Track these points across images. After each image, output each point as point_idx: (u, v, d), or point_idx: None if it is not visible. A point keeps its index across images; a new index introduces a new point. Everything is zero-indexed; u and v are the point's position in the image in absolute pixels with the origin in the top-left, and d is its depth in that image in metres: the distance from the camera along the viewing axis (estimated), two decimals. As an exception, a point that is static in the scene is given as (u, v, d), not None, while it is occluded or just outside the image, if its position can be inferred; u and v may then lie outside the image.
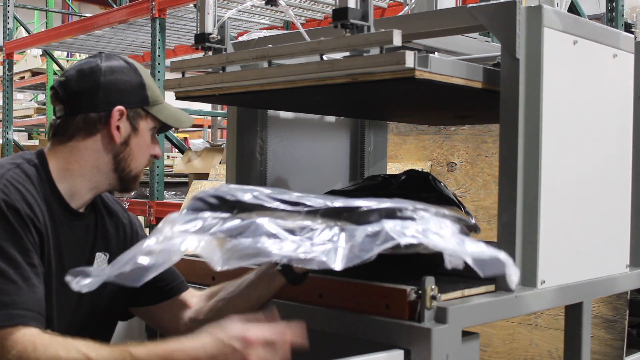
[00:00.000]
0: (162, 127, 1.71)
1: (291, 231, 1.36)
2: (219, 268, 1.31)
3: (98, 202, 1.72)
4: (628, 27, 4.93)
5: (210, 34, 2.06)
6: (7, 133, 8.09)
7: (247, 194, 1.45)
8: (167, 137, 5.35)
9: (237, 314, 1.41)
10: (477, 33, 2.15)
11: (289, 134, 2.52)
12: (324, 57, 1.70)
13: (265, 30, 5.96)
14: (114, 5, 9.15)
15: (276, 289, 1.61)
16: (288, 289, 1.65)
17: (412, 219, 1.37)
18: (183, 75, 2.05)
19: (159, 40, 5.58)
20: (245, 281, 1.64)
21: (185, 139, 10.49)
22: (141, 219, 3.82)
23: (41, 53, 10.24)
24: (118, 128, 1.60)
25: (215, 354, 1.33)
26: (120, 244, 1.72)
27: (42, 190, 1.54)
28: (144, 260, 1.32)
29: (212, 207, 1.44)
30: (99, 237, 1.69)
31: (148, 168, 5.47)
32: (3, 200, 1.44)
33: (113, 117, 1.59)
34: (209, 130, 11.59)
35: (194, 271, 1.92)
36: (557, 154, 1.75)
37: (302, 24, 3.32)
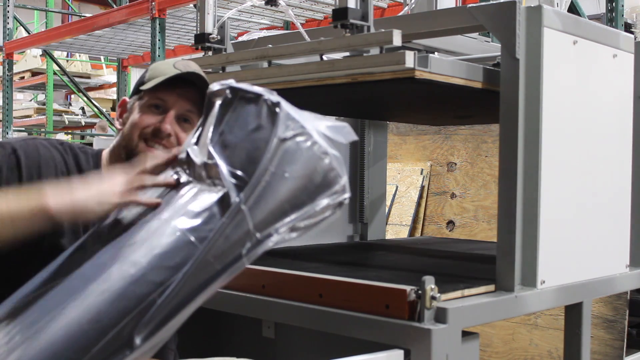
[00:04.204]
0: (167, 99, 1.63)
1: None
2: None
3: None
4: (628, 27, 4.93)
5: (210, 34, 2.07)
6: (7, 133, 8.09)
7: None
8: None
9: None
10: (477, 33, 2.15)
11: (289, 134, 2.52)
12: (324, 57, 1.70)
13: (265, 30, 5.96)
14: (114, 5, 9.15)
15: None
16: (287, 288, 1.65)
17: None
18: (183, 75, 2.05)
19: (159, 40, 5.58)
20: None
21: (185, 139, 10.50)
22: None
23: (41, 53, 10.25)
24: (121, 116, 1.70)
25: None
26: None
27: (83, 170, 1.63)
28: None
29: None
30: None
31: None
32: (17, 144, 1.56)
33: (117, 110, 1.73)
34: (209, 130, 11.57)
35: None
36: (557, 154, 1.75)
37: (302, 24, 3.32)
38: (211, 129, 1.24)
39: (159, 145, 1.61)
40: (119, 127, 1.69)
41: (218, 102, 1.27)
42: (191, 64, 1.67)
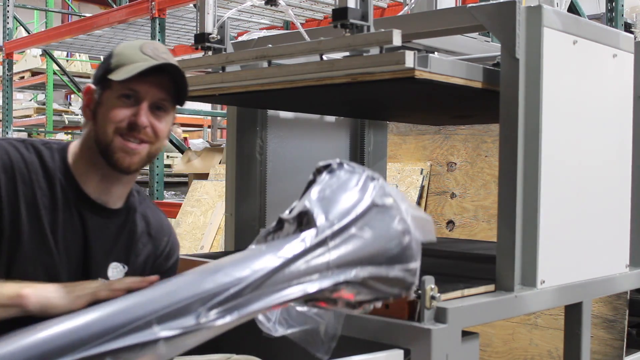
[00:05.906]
0: (139, 90, 1.55)
1: None
2: None
3: (138, 214, 1.67)
4: (628, 27, 4.92)
5: (210, 34, 2.07)
6: (7, 133, 8.09)
7: None
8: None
9: None
10: (477, 33, 2.15)
11: (289, 134, 2.52)
12: (324, 57, 1.70)
13: (265, 30, 5.96)
14: (114, 5, 9.15)
15: None
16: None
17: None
18: (183, 75, 2.05)
19: (159, 40, 5.58)
20: None
21: (185, 138, 10.49)
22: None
23: (41, 53, 10.24)
24: (89, 106, 1.61)
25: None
26: (140, 264, 1.65)
27: (48, 167, 1.56)
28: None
29: None
30: (120, 245, 1.62)
31: (147, 168, 5.46)
32: None
33: (84, 98, 1.62)
34: (209, 130, 11.58)
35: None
36: (556, 154, 1.75)
37: (302, 24, 3.32)
38: (312, 189, 1.37)
39: (135, 139, 1.55)
40: (87, 117, 1.60)
41: (325, 172, 1.41)
42: (159, 47, 1.59)
